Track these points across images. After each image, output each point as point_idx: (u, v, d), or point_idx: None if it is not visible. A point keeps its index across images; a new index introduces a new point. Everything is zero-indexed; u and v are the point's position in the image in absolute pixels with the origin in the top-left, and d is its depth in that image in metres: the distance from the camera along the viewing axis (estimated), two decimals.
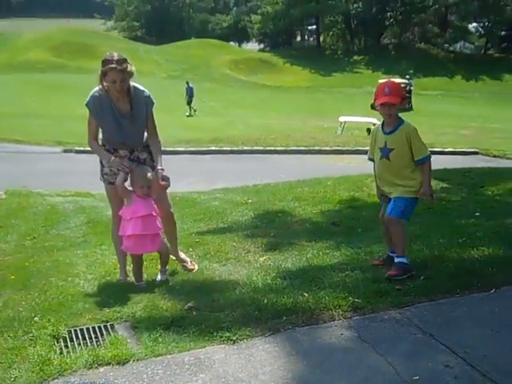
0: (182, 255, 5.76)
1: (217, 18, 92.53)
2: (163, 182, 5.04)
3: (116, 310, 4.38)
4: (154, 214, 5.13)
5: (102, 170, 5.33)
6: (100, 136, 5.31)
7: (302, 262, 5.52)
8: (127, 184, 5.17)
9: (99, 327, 4.13)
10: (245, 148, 17.89)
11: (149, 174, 5.05)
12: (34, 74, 52.20)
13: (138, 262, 5.26)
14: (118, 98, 5.07)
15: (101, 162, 5.31)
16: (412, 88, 45.87)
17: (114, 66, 4.88)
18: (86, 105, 5.09)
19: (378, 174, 5.04)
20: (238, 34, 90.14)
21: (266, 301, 4.35)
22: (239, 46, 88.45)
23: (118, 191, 5.12)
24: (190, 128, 25.47)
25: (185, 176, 13.80)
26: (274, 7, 77.05)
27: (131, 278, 5.38)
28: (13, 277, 6.09)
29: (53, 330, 4.00)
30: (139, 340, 3.90)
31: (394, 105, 4.75)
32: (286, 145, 18.16)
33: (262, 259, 5.87)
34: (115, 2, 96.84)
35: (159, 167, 5.09)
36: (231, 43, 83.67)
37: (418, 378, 3.34)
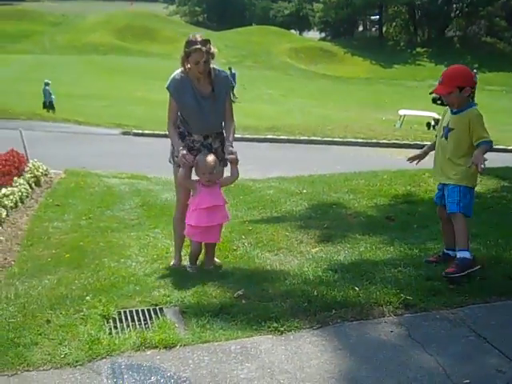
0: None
1: (279, 5, 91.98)
2: (229, 156, 4.93)
3: (166, 294, 4.40)
4: (221, 204, 5.06)
5: (173, 152, 5.24)
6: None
7: (355, 255, 5.44)
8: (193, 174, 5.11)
9: (148, 310, 4.16)
10: (302, 138, 17.80)
11: (209, 158, 4.90)
12: (97, 56, 53.15)
13: (197, 247, 5.18)
14: (199, 80, 5.06)
15: (173, 146, 5.24)
16: (476, 81, 44.88)
17: (198, 46, 4.89)
18: (167, 88, 5.10)
19: (434, 155, 4.96)
20: (300, 22, 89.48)
21: (315, 293, 4.31)
22: (300, 34, 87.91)
23: (183, 184, 5.13)
24: (248, 115, 25.45)
25: (240, 163, 13.84)
26: None
27: (184, 263, 5.38)
28: (68, 255, 6.22)
29: (103, 310, 4.05)
30: (187, 325, 3.91)
31: (449, 95, 4.64)
32: (344, 136, 17.99)
33: (314, 250, 5.82)
34: None
35: (228, 142, 5.04)
36: (292, 31, 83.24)
37: (468, 381, 3.25)
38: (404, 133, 20.53)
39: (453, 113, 4.72)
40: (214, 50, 5.01)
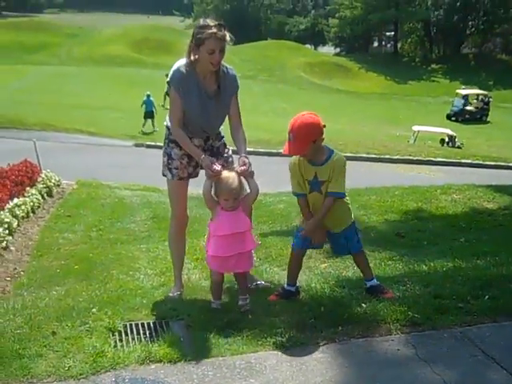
0: (252, 276, 5.08)
1: (294, 19, 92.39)
2: (240, 168, 4.26)
3: (172, 307, 4.38)
4: (242, 230, 4.28)
5: (168, 163, 4.62)
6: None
7: None
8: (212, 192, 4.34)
9: (154, 323, 4.14)
10: None
11: (234, 183, 4.16)
12: (113, 68, 53.48)
13: (217, 278, 4.43)
14: (205, 76, 4.43)
15: (168, 154, 4.62)
16: (491, 100, 44.76)
17: (214, 31, 4.24)
18: (169, 82, 4.45)
19: (312, 211, 4.47)
20: (315, 37, 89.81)
21: (322, 309, 4.27)
22: (315, 49, 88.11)
23: (204, 200, 4.33)
24: (261, 129, 25.45)
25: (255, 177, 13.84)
26: (352, 12, 76.51)
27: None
28: (76, 267, 6.24)
29: (109, 323, 4.03)
30: (192, 340, 3.89)
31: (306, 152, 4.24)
32: (356, 151, 17.96)
33: (323, 266, 5.80)
34: None
35: (243, 154, 4.39)
36: (307, 46, 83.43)
37: None
38: (417, 149, 20.48)
39: (318, 164, 4.28)
40: (230, 36, 4.37)
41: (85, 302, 4.60)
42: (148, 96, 24.79)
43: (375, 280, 4.63)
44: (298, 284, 4.75)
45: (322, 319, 4.11)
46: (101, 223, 8.42)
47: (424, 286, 4.75)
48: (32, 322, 4.15)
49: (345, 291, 4.76)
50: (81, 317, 4.19)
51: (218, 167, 4.25)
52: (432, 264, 5.45)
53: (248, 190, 4.38)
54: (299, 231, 4.61)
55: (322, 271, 5.56)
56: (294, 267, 4.71)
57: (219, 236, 4.26)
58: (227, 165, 4.58)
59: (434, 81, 63.60)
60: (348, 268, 5.57)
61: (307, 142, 4.15)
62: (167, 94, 34.47)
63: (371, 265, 5.56)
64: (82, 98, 32.00)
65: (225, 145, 4.80)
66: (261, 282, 5.08)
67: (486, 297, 4.44)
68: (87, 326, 4.04)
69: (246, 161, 4.33)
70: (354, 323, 4.06)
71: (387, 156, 17.71)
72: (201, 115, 4.48)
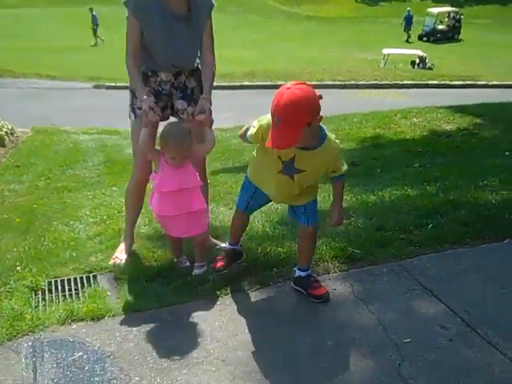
0: (213, 240, 4.36)
1: None
2: (199, 116, 3.62)
3: (103, 259, 4.16)
4: (189, 186, 3.66)
5: (132, 103, 3.92)
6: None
7: None
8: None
9: (81, 278, 3.91)
10: (278, 82, 17.38)
11: (184, 141, 3.53)
12: (72, 8, 51.77)
13: (171, 239, 3.99)
14: None
15: (131, 91, 3.90)
16: (462, 17, 44.18)
17: None
18: (125, 3, 3.70)
19: (268, 184, 3.50)
20: None
21: (259, 250, 4.09)
22: None
23: (143, 150, 3.69)
24: (230, 62, 24.91)
25: (215, 113, 13.51)
26: None
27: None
28: (18, 220, 5.96)
29: (31, 282, 3.81)
30: (119, 293, 3.69)
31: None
32: (321, 79, 17.58)
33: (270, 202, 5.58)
34: None
35: (204, 95, 3.72)
36: None
37: (409, 340, 3.06)
38: (383, 72, 20.14)
39: (301, 148, 3.15)
40: None
41: (11, 260, 4.34)
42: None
43: (309, 272, 3.65)
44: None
45: (258, 262, 3.93)
46: (50, 172, 8.09)
47: (368, 218, 4.59)
48: None
49: (286, 228, 4.57)
50: (3, 277, 3.97)
51: (152, 117, 3.51)
52: (380, 193, 5.26)
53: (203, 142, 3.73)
54: (245, 191, 3.69)
55: (268, 207, 5.33)
56: (237, 227, 3.88)
57: (163, 192, 3.63)
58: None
59: (405, 0, 62.43)
60: None
61: (300, 126, 2.91)
62: (94, 30, 33.62)
63: (319, 198, 5.37)
64: (41, 41, 30.99)
65: (201, 87, 3.92)
66: (224, 246, 4.02)
67: (430, 226, 4.29)
68: (8, 286, 3.81)
69: (207, 106, 3.64)
70: (290, 263, 3.87)
71: (353, 82, 17.36)
72: (166, 39, 3.71)
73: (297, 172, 3.27)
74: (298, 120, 2.89)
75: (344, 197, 5.26)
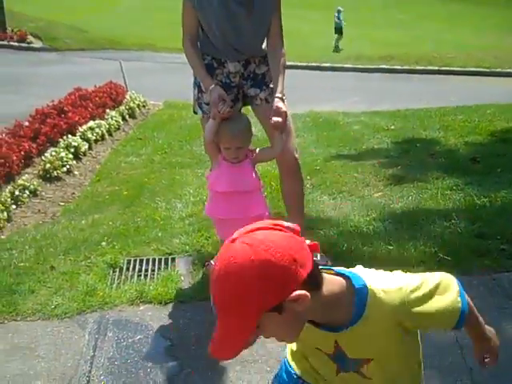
0: None
1: None
2: (274, 119, 3.20)
3: (185, 241, 4.13)
4: (244, 190, 3.26)
5: (198, 98, 3.58)
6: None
7: (415, 203, 4.90)
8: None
9: (160, 259, 3.92)
10: (417, 67, 16.73)
11: (241, 130, 3.19)
12: None
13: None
14: None
15: (197, 85, 3.56)
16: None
17: None
18: None
19: None
20: None
21: (344, 247, 3.89)
22: None
23: (204, 144, 3.51)
24: (373, 42, 24.30)
25: (346, 95, 13.28)
26: None
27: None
28: (126, 193, 6.12)
29: (111, 259, 3.86)
30: (194, 278, 3.64)
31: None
32: (464, 65, 16.66)
33: (376, 195, 5.35)
34: None
35: (278, 94, 3.31)
36: None
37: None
38: None
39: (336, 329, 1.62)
40: None
41: (100, 235, 4.44)
42: (338, 11, 24.02)
43: None
44: None
45: (341, 259, 3.72)
46: (169, 146, 8.24)
47: (471, 222, 4.22)
48: (41, 254, 4.06)
49: (382, 226, 4.33)
50: (87, 251, 4.05)
51: (224, 107, 3.16)
52: (493, 196, 4.83)
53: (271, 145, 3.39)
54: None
55: (371, 201, 5.10)
56: None
57: (217, 192, 3.32)
58: (270, 103, 3.38)
59: None
60: (402, 198, 5.07)
61: (249, 318, 1.42)
62: None
63: (425, 195, 5.05)
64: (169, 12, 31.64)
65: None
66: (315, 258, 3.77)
67: None
68: (89, 261, 3.89)
69: (283, 109, 3.23)
70: (372, 265, 3.63)
71: (498, 69, 16.30)
72: (226, 27, 3.35)
73: (360, 364, 1.76)
74: (241, 308, 1.43)
75: (453, 196, 4.98)
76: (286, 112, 3.24)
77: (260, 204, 3.31)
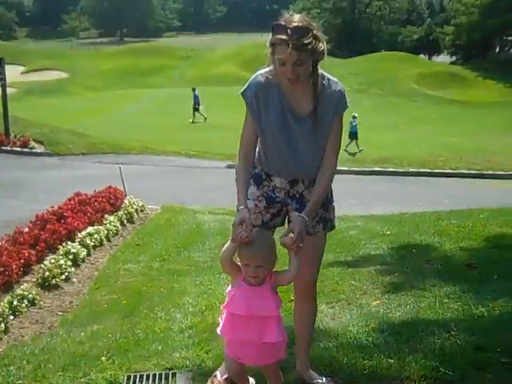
0: (311, 372, 3.65)
1: (407, 29, 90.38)
2: (284, 238, 3.05)
3: (186, 356, 4.10)
4: (261, 315, 3.05)
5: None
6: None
7: (413, 312, 4.92)
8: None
9: (160, 375, 3.87)
10: (410, 170, 17.12)
11: (261, 248, 3.00)
12: (223, 88, 54.30)
13: (233, 364, 3.29)
14: (292, 90, 3.17)
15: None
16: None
17: (284, 37, 2.98)
18: (242, 94, 3.28)
19: None
20: (429, 47, 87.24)
21: (345, 360, 3.88)
22: (429, 58, 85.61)
23: (222, 264, 3.23)
24: (370, 144, 24.90)
25: (344, 198, 13.46)
26: (468, 17, 73.68)
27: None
28: (124, 302, 6.14)
29: (111, 375, 3.82)
30: None
31: None
32: (456, 168, 17.08)
33: (374, 303, 5.38)
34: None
35: (303, 214, 3.13)
36: (421, 56, 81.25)
37: None
38: None
39: None
40: (318, 45, 3.04)
41: (100, 349, 4.43)
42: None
43: None
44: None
45: (340, 373, 3.72)
46: (167, 252, 8.33)
47: (470, 333, 4.22)
48: (39, 371, 4.04)
49: (381, 338, 4.32)
50: (86, 366, 4.03)
51: (242, 231, 2.96)
52: (491, 305, 4.87)
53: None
54: None
55: (370, 310, 5.12)
56: None
57: (231, 314, 3.09)
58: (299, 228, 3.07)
59: None
60: (400, 307, 5.10)
61: None
62: (195, 109, 33.81)
63: (423, 304, 5.08)
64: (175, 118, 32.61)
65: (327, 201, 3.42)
66: (321, 381, 3.61)
67: None
68: (88, 377, 3.85)
69: (299, 229, 3.03)
70: (374, 379, 3.63)
71: (490, 172, 16.68)
72: (283, 142, 3.23)
73: None
74: None
75: (450, 305, 5.00)
76: (301, 234, 3.03)
77: (274, 331, 3.07)
